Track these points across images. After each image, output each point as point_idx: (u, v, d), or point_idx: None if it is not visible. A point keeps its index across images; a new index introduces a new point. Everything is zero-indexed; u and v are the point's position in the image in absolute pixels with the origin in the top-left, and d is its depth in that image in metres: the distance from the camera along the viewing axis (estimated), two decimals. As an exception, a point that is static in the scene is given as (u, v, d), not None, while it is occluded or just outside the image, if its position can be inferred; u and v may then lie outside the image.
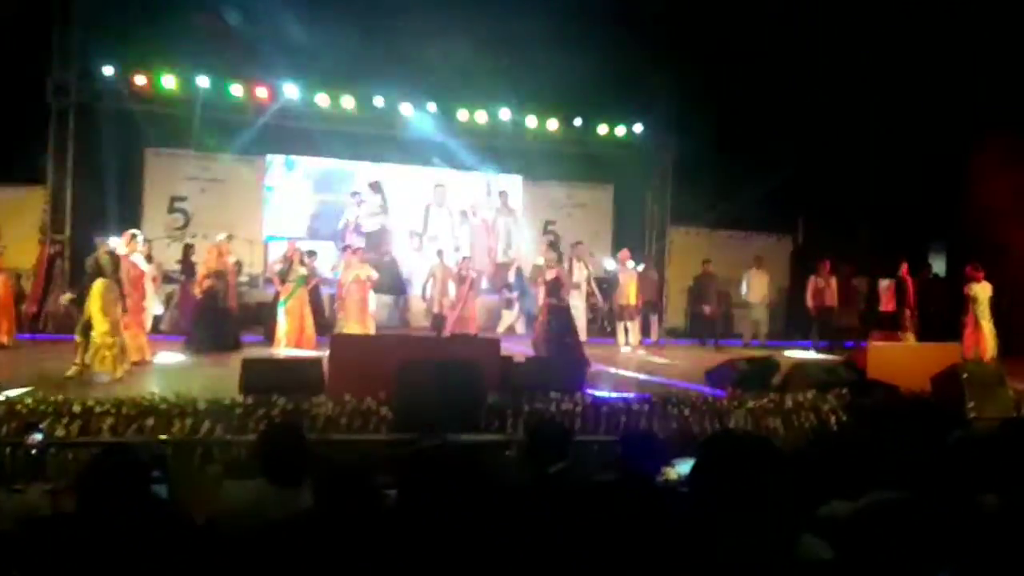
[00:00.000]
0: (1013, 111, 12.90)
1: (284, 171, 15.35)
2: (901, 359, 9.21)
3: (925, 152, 14.09)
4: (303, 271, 11.53)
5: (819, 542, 2.06)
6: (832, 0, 13.54)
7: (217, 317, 11.07)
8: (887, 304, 12.46)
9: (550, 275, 10.49)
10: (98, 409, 5.90)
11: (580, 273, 12.22)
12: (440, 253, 14.04)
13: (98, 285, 8.27)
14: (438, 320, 13.03)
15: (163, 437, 5.80)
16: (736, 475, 1.69)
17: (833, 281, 14.27)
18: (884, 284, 13.65)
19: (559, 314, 10.36)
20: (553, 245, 11.22)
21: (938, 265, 15.74)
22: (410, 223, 15.97)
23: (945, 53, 12.91)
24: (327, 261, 13.96)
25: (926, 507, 2.28)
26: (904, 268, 13.48)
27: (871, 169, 14.90)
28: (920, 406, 7.16)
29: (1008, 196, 13.27)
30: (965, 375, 7.69)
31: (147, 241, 11.38)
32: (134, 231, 10.01)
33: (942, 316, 12.96)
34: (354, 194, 15.52)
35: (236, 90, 13.92)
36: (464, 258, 13.63)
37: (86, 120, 13.23)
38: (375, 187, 15.68)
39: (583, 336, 11.60)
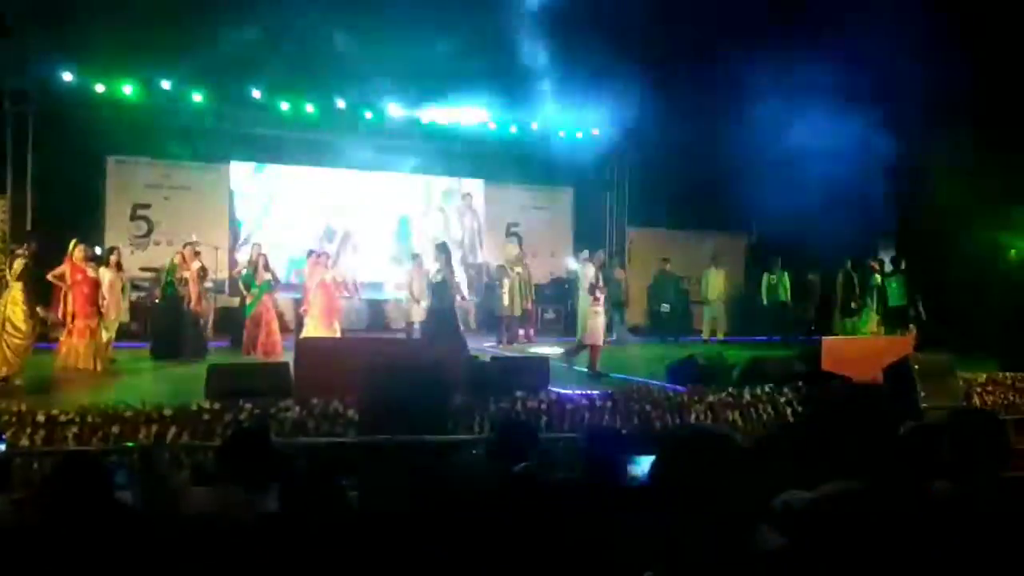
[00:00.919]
0: (965, 105, 13.21)
1: (252, 175, 15.12)
2: (854, 351, 9.41)
3: (876, 148, 14.37)
4: (268, 276, 11.50)
5: (773, 533, 2.13)
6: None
7: (181, 323, 10.98)
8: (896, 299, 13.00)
9: (437, 279, 9.94)
10: (63, 418, 5.81)
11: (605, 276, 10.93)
12: (416, 258, 13.36)
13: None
14: (410, 327, 12.65)
15: (129, 444, 5.73)
16: (696, 470, 1.72)
17: (786, 277, 14.57)
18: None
19: (436, 318, 9.89)
20: (441, 247, 10.37)
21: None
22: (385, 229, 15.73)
23: (895, 48, 13.15)
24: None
25: (880, 495, 2.36)
26: (849, 264, 13.87)
27: (822, 166, 15.17)
28: (873, 397, 7.32)
29: (957, 192, 13.62)
30: (916, 366, 7.86)
31: (113, 250, 11.17)
32: (75, 240, 9.90)
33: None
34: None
35: (197, 97, 13.73)
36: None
37: (46, 127, 12.96)
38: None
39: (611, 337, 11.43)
